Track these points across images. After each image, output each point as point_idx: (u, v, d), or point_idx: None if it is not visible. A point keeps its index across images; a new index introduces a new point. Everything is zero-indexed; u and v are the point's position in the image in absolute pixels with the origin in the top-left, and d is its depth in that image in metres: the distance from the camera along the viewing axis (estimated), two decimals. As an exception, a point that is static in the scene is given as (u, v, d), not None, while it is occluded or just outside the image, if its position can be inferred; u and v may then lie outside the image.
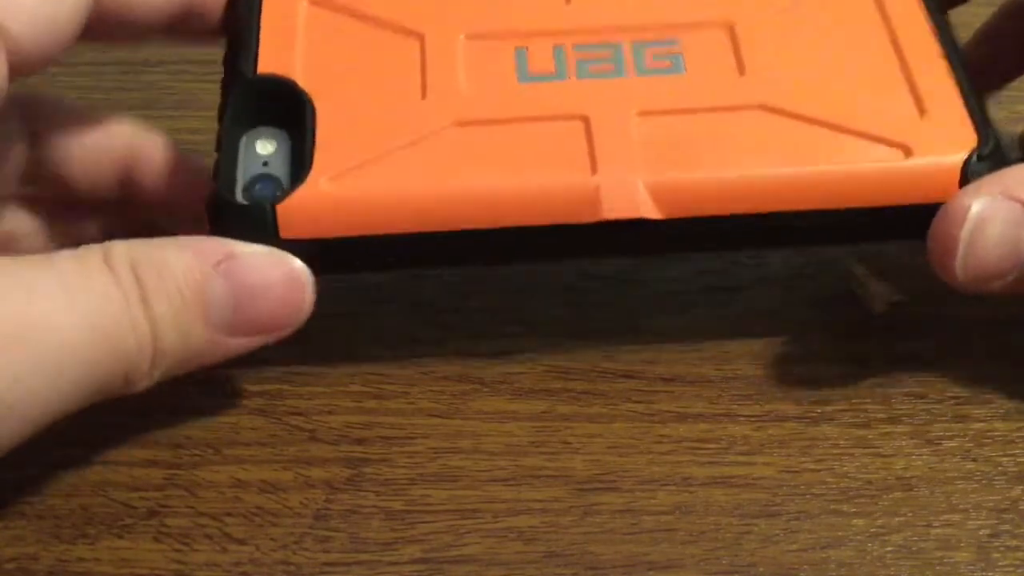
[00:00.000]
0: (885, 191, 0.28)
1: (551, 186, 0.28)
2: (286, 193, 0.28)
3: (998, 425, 0.31)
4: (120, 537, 0.27)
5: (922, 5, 0.32)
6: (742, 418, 0.31)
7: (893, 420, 0.31)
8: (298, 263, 0.27)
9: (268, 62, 0.30)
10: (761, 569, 0.27)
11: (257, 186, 0.29)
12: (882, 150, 0.29)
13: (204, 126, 0.39)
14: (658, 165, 0.29)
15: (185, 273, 0.25)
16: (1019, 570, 0.27)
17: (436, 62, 0.31)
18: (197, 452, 0.30)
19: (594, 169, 0.29)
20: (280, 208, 0.28)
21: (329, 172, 0.28)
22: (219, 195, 0.28)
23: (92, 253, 0.25)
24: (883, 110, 0.30)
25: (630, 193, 0.28)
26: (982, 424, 0.31)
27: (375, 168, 0.29)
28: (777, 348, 0.33)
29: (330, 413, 0.31)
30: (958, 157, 0.28)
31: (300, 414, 0.31)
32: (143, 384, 0.26)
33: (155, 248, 0.26)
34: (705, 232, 0.29)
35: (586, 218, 0.28)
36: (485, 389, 0.32)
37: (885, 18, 0.32)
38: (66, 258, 0.25)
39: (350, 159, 0.29)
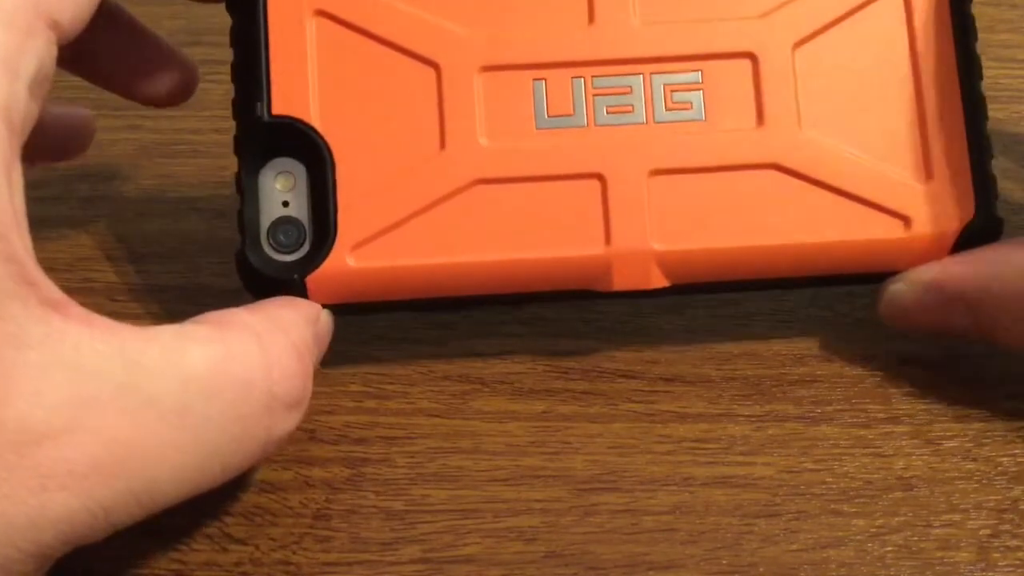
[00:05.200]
0: (883, 260, 0.30)
1: (567, 259, 0.30)
2: (311, 255, 0.29)
3: (998, 425, 0.31)
4: (120, 536, 0.27)
5: (953, 41, 0.31)
6: (742, 418, 0.31)
7: (893, 420, 0.31)
8: (327, 315, 0.30)
9: (282, 102, 0.30)
10: (761, 569, 0.27)
11: (280, 236, 0.30)
12: (884, 220, 0.30)
13: (204, 126, 0.39)
14: (669, 234, 0.30)
15: (302, 331, 0.28)
16: (1019, 570, 0.27)
17: (453, 102, 0.30)
18: (197, 452, 0.30)
19: (608, 239, 0.30)
20: (309, 281, 0.29)
21: (353, 239, 0.29)
22: (251, 263, 0.29)
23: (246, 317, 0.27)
24: (890, 174, 0.30)
25: (642, 268, 0.30)
26: (982, 424, 0.31)
27: (397, 237, 0.30)
28: (777, 348, 0.33)
29: (330, 413, 0.31)
30: (952, 230, 0.30)
31: (300, 414, 0.31)
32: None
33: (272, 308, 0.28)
34: (704, 289, 0.31)
35: (599, 288, 0.30)
36: (485, 389, 0.32)
37: (913, 53, 0.31)
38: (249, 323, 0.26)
39: (373, 224, 0.30)
